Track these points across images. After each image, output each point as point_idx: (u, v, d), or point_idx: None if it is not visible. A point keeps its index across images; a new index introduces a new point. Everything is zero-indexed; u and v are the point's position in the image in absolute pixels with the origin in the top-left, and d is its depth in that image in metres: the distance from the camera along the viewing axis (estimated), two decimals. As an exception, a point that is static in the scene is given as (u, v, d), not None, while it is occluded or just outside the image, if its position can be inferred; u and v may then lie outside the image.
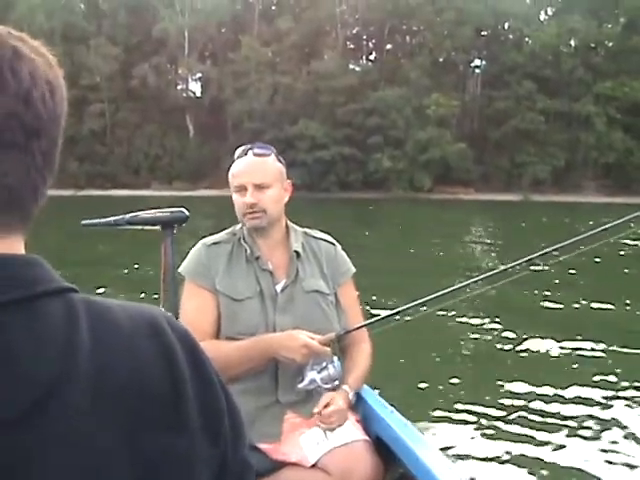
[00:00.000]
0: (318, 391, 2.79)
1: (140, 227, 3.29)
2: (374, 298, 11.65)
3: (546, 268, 8.95)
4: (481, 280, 3.21)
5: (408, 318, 3.19)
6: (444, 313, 10.84)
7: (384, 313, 3.06)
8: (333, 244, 3.08)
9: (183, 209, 3.32)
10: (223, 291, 2.80)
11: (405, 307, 3.05)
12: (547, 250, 3.23)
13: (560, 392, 7.44)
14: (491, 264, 18.45)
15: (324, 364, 2.79)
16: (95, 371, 0.82)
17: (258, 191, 2.80)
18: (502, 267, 3.16)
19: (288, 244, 2.93)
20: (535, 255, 3.17)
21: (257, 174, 2.82)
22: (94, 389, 0.82)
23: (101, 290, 12.39)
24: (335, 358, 2.86)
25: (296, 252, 2.90)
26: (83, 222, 3.39)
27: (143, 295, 11.13)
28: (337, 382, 2.80)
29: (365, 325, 3.00)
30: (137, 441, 0.85)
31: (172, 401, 0.89)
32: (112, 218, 3.27)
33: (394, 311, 3.05)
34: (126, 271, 15.40)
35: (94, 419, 0.81)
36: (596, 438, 6.27)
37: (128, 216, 3.24)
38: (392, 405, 2.92)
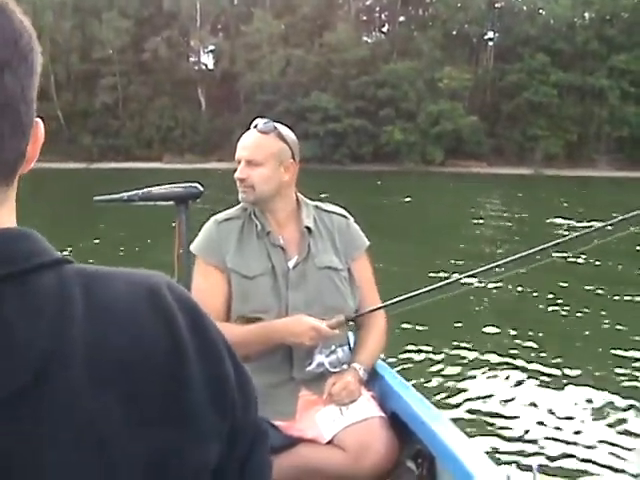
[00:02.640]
0: (330, 372, 2.82)
1: (153, 203, 3.27)
2: (388, 277, 11.70)
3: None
4: (500, 266, 3.18)
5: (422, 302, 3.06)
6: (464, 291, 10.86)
7: (396, 292, 3.05)
8: (346, 217, 3.05)
9: (197, 184, 3.29)
10: (234, 268, 2.78)
11: (421, 291, 3.00)
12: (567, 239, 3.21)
13: (585, 376, 7.39)
14: (508, 244, 18.40)
15: (333, 347, 2.82)
16: (91, 342, 0.81)
17: (249, 167, 2.81)
18: (524, 252, 3.07)
19: (299, 219, 2.91)
20: (560, 241, 3.14)
21: (251, 150, 2.83)
22: (91, 360, 0.80)
23: (107, 263, 12.39)
24: (345, 345, 2.90)
25: (307, 228, 2.87)
26: (95, 198, 3.35)
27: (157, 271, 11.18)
28: (346, 366, 2.81)
29: (377, 309, 2.97)
30: (138, 412, 0.83)
31: (175, 371, 0.86)
32: (125, 194, 3.23)
33: (409, 295, 2.99)
34: (138, 247, 15.37)
35: (92, 391, 0.80)
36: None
37: (141, 192, 3.21)
38: (408, 380, 2.93)
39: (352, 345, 3.03)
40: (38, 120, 0.90)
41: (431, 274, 11.67)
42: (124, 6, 75.01)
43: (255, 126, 2.88)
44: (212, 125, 71.77)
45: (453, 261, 13.95)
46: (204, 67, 79.23)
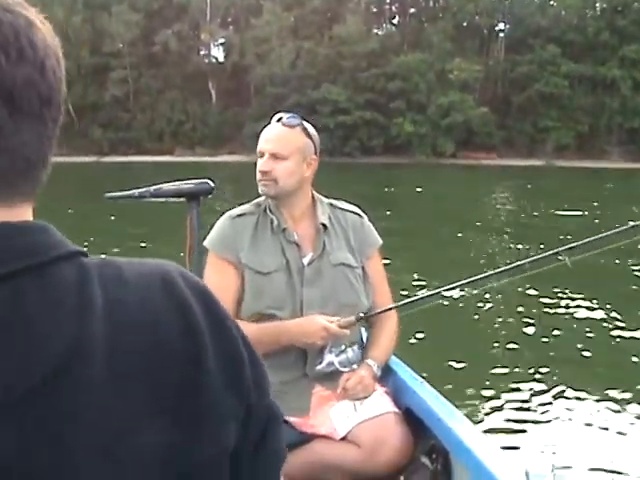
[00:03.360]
0: (340, 371, 2.81)
1: (164, 199, 3.25)
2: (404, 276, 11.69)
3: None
4: (510, 270, 3.20)
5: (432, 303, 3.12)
6: (478, 292, 10.84)
7: (408, 289, 3.04)
8: (360, 215, 3.05)
9: (208, 180, 3.25)
10: (249, 264, 2.77)
11: (437, 291, 3.07)
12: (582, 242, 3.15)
13: (608, 376, 7.34)
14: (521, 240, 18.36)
15: (343, 347, 2.81)
16: (111, 335, 0.82)
17: (273, 160, 2.79)
18: (531, 258, 3.10)
19: (315, 216, 2.90)
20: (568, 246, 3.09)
21: (276, 143, 2.81)
22: (111, 352, 0.81)
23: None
24: (356, 344, 2.90)
25: (323, 225, 2.87)
26: (106, 195, 3.34)
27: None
28: (355, 366, 2.81)
29: (388, 309, 2.97)
30: (158, 403, 0.84)
31: (192, 357, 0.88)
32: (136, 190, 3.20)
33: (420, 296, 3.06)
34: (149, 243, 15.32)
35: (112, 382, 0.81)
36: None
37: (152, 188, 3.19)
38: (422, 377, 2.91)
39: (365, 342, 3.03)
40: None
41: (443, 271, 11.67)
42: (134, -1, 75.17)
43: (279, 119, 2.86)
44: (223, 118, 71.86)
45: (464, 258, 13.90)
46: (214, 60, 79.30)
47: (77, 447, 0.78)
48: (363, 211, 3.11)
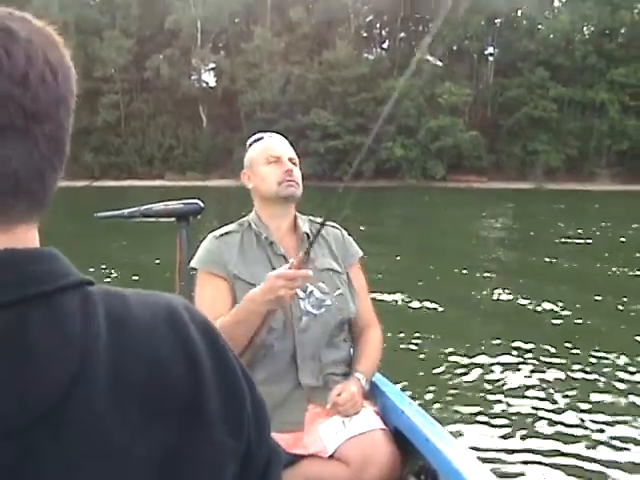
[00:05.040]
0: (337, 381, 2.80)
1: (154, 219, 3.27)
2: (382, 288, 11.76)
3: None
4: None
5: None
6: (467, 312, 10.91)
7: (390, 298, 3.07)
8: (338, 228, 3.09)
9: (198, 200, 3.30)
10: (240, 276, 2.77)
11: None
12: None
13: (598, 394, 7.41)
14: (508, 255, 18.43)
15: (309, 289, 2.77)
16: (113, 365, 0.82)
17: (292, 164, 2.88)
18: None
19: (297, 229, 2.95)
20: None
21: (290, 150, 2.92)
22: (112, 383, 0.81)
23: (113, 282, 12.41)
24: (321, 284, 2.80)
25: (306, 234, 2.91)
26: (97, 214, 3.37)
27: (158, 288, 11.15)
28: (328, 302, 2.75)
29: None
30: (157, 436, 0.83)
31: (193, 393, 0.87)
32: (126, 210, 3.25)
33: None
34: (141, 263, 15.37)
35: (113, 414, 0.80)
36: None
37: (142, 208, 3.22)
38: (410, 396, 2.92)
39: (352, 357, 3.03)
40: None
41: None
42: (126, 25, 75.54)
43: (270, 136, 2.97)
44: (213, 143, 72.06)
45: (452, 280, 13.98)
46: (205, 85, 79.55)
47: (79, 475, 0.77)
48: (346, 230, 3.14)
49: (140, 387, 0.83)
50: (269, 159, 2.87)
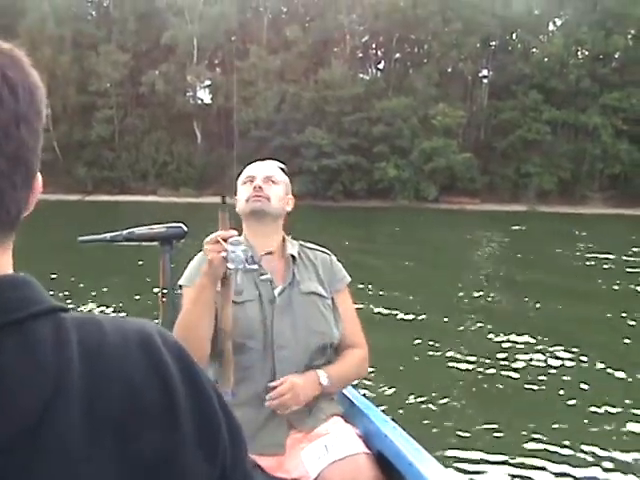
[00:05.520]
0: (319, 406, 2.79)
1: (137, 244, 3.27)
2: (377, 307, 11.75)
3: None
4: None
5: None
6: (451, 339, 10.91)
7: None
8: (328, 254, 3.10)
9: (181, 224, 3.29)
10: None
11: None
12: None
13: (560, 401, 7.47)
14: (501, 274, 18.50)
15: (234, 242, 2.55)
16: (87, 392, 0.81)
17: (266, 182, 2.90)
18: None
19: (284, 251, 2.96)
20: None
21: (269, 169, 2.96)
22: (86, 410, 0.80)
23: (98, 303, 12.34)
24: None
25: (292, 256, 2.93)
26: (80, 238, 3.33)
27: (142, 308, 11.04)
28: (252, 257, 2.52)
29: None
30: (130, 460, 0.83)
31: (166, 418, 0.87)
32: (109, 234, 3.23)
33: None
34: (126, 284, 15.30)
35: (87, 439, 0.80)
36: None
37: (125, 232, 3.20)
38: (393, 420, 2.91)
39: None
40: (38, 174, 0.91)
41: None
42: (122, 40, 75.68)
43: (257, 163, 3.04)
44: (207, 159, 72.09)
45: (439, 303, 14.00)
46: (200, 102, 79.67)
47: None
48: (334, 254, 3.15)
49: (114, 413, 0.83)
50: (245, 180, 2.96)
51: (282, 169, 3.05)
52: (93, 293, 13.65)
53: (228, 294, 2.54)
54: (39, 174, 0.91)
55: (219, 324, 2.59)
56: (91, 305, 12.15)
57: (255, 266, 2.54)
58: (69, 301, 12.00)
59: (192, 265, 2.91)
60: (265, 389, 2.71)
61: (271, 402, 2.65)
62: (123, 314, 11.27)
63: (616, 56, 70.97)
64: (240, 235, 2.90)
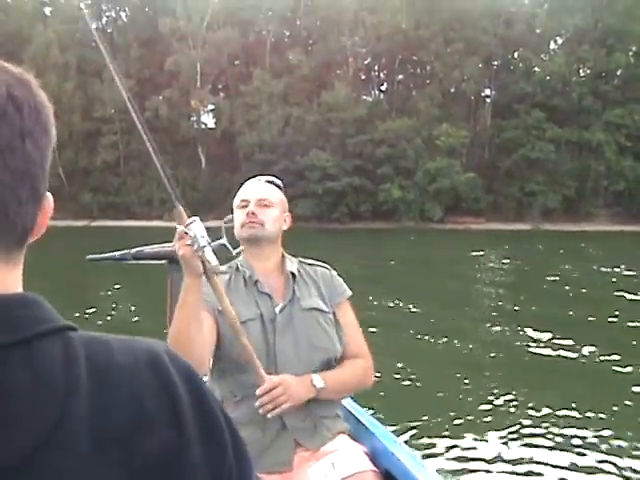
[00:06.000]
0: (325, 424, 2.80)
1: (145, 262, 3.28)
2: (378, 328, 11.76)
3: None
4: None
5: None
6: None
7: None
8: (328, 268, 3.10)
9: None
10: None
11: None
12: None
13: (581, 435, 7.45)
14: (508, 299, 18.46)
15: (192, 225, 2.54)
16: (95, 411, 0.82)
17: (260, 206, 2.90)
18: None
19: (284, 268, 2.97)
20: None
21: (263, 192, 2.94)
22: (94, 429, 0.81)
23: (105, 323, 12.35)
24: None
25: (292, 274, 2.93)
26: (88, 257, 3.39)
27: (149, 327, 11.03)
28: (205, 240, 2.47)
29: None
30: (138, 479, 0.83)
31: (174, 439, 0.87)
32: (117, 253, 3.27)
33: None
34: (135, 303, 15.33)
35: (94, 459, 0.80)
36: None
37: (133, 251, 3.24)
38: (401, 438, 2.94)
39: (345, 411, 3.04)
40: (49, 194, 0.93)
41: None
42: (126, 66, 76.08)
43: (258, 180, 3.03)
44: (212, 184, 72.21)
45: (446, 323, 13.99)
46: (204, 126, 79.88)
47: None
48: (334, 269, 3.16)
49: (122, 433, 0.83)
50: (240, 204, 2.96)
51: (278, 185, 3.04)
52: (99, 312, 13.68)
53: (218, 288, 2.51)
54: (49, 194, 0.93)
55: (226, 321, 2.57)
56: (98, 324, 12.17)
57: (223, 240, 2.53)
58: (76, 320, 12.00)
59: None
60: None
61: (261, 400, 2.57)
62: (130, 333, 11.29)
63: (618, 73, 71.24)
64: (239, 255, 2.91)
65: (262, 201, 2.92)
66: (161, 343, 0.97)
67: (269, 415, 2.59)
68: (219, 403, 0.97)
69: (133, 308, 14.87)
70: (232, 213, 3.01)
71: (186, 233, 2.47)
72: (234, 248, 2.67)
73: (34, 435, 0.77)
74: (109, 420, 0.83)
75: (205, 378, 2.85)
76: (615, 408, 8.26)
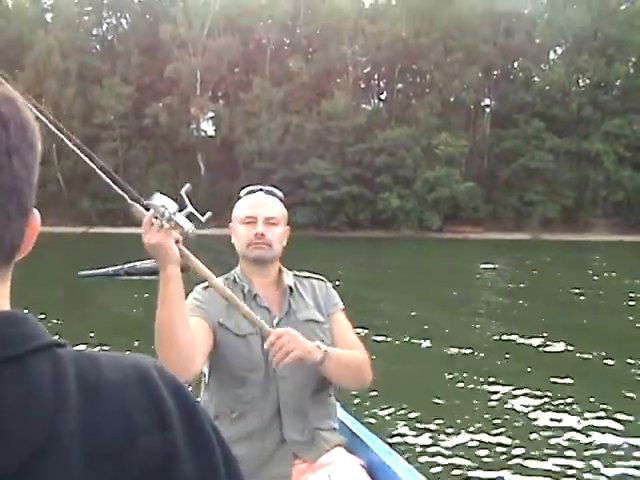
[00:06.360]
0: (322, 436, 2.81)
1: (138, 277, 3.19)
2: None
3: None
4: None
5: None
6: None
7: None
8: (323, 280, 3.11)
9: None
10: (226, 325, 2.77)
11: None
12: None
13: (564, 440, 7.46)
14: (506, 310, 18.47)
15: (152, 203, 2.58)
16: (86, 427, 0.82)
17: (268, 225, 2.86)
18: None
19: (281, 281, 2.96)
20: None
21: (269, 209, 2.90)
22: (85, 445, 0.81)
23: (96, 335, 12.31)
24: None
25: (290, 287, 2.94)
26: (80, 273, 3.32)
27: (141, 342, 11.07)
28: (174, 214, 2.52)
29: None
30: None
31: (165, 455, 0.88)
32: (110, 268, 3.20)
33: None
34: (127, 316, 15.26)
35: (86, 476, 0.80)
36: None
37: (126, 266, 3.15)
38: (397, 451, 2.89)
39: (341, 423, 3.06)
40: (35, 210, 0.93)
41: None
42: (126, 73, 76.29)
43: (259, 190, 2.98)
44: (211, 191, 72.20)
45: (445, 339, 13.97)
46: (204, 134, 79.99)
47: None
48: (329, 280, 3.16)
49: (113, 448, 0.83)
50: (245, 219, 2.91)
51: (280, 198, 3.02)
52: (89, 327, 13.64)
53: (193, 262, 2.52)
54: (36, 211, 0.93)
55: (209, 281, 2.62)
56: (88, 340, 12.13)
57: (189, 208, 2.55)
58: (64, 335, 11.98)
59: (191, 297, 2.83)
60: (270, 421, 2.74)
61: (270, 345, 2.57)
62: (121, 348, 11.30)
63: (617, 83, 71.45)
64: (233, 269, 2.96)
65: (269, 220, 2.89)
66: (149, 358, 0.98)
67: (281, 365, 2.58)
68: (209, 417, 0.97)
69: (125, 321, 14.82)
70: (231, 222, 2.99)
71: (148, 210, 2.42)
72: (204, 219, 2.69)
73: (25, 451, 0.77)
74: (100, 436, 0.83)
75: (199, 396, 2.86)
76: (607, 407, 8.26)
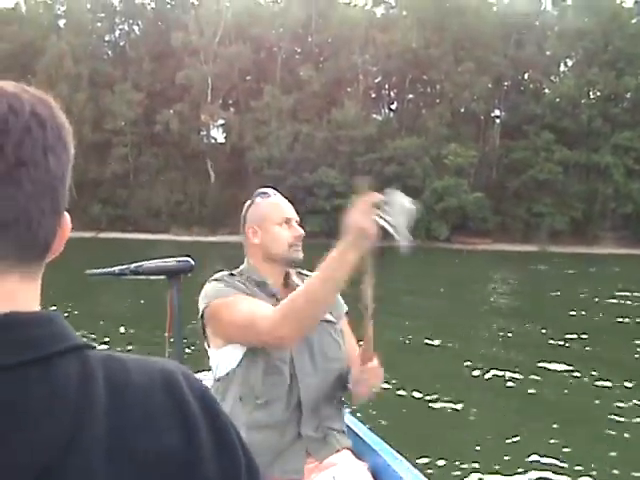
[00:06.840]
0: (334, 436, 2.81)
1: (145, 277, 3.28)
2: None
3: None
4: None
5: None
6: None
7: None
8: None
9: (189, 258, 3.27)
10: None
11: None
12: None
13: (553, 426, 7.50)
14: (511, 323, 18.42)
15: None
16: (111, 429, 0.83)
17: (299, 227, 2.93)
18: None
19: (290, 282, 2.94)
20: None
21: (294, 211, 2.96)
22: (109, 448, 0.82)
23: (108, 339, 12.40)
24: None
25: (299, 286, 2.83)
26: (87, 272, 3.36)
27: (148, 342, 11.08)
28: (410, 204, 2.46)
29: None
30: None
31: (189, 459, 0.89)
32: (117, 268, 3.24)
33: None
34: (138, 320, 15.32)
35: (108, 476, 0.81)
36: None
37: (133, 266, 3.21)
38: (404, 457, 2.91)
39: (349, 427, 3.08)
40: (67, 214, 0.95)
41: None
42: (137, 79, 76.61)
43: (275, 194, 3.01)
44: (220, 199, 72.34)
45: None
46: (214, 141, 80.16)
47: None
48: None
49: (137, 451, 0.84)
50: (283, 220, 2.90)
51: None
52: (98, 326, 13.72)
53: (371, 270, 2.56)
54: (67, 214, 0.95)
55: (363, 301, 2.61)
56: (97, 339, 12.21)
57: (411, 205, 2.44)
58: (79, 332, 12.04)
59: (215, 285, 2.81)
60: (291, 414, 2.75)
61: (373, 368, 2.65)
62: (130, 346, 11.41)
63: (627, 96, 71.49)
64: (243, 263, 2.99)
65: (299, 223, 2.96)
66: (175, 363, 0.99)
67: (363, 393, 2.68)
68: (234, 424, 0.98)
69: (134, 322, 14.89)
70: (244, 228, 2.99)
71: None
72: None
73: (47, 451, 0.78)
74: (124, 439, 0.84)
75: (230, 367, 2.81)
76: (610, 410, 8.29)
